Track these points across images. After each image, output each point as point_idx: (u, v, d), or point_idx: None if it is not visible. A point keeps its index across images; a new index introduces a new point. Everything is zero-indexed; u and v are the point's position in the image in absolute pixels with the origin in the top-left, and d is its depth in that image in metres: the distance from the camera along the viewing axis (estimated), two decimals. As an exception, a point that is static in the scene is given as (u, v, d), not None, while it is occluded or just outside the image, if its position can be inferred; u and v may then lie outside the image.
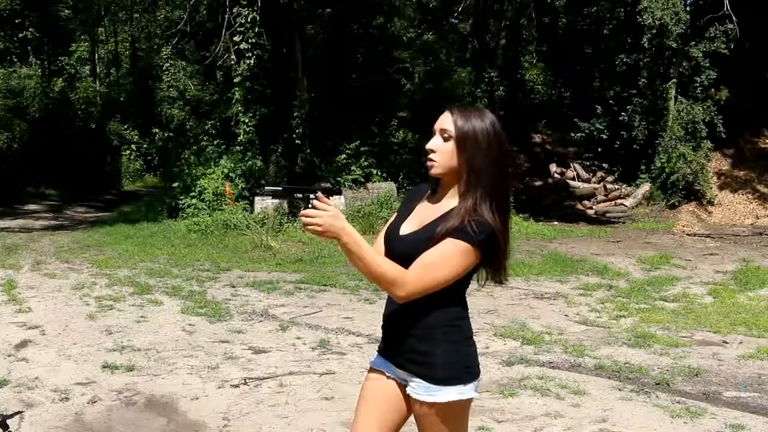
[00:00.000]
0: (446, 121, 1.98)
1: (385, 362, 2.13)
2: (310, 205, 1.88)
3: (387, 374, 2.12)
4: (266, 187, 2.22)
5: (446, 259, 1.89)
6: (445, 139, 1.97)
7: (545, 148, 20.68)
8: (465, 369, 2.01)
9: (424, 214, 2.04)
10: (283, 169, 14.67)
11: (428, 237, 1.94)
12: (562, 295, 7.32)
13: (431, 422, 2.01)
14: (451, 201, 1.99)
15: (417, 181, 14.00)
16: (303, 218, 1.87)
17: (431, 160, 1.98)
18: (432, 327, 1.98)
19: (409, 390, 2.04)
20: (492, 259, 1.97)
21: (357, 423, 2.14)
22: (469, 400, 2.03)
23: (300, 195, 1.95)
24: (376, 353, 2.18)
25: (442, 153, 1.97)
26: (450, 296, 1.99)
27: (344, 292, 7.31)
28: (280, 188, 2.04)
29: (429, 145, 1.98)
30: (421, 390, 1.99)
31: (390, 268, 1.89)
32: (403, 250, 1.97)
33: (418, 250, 1.93)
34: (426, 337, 1.99)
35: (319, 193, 1.90)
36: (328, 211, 1.85)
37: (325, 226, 1.84)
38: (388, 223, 2.15)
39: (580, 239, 12.09)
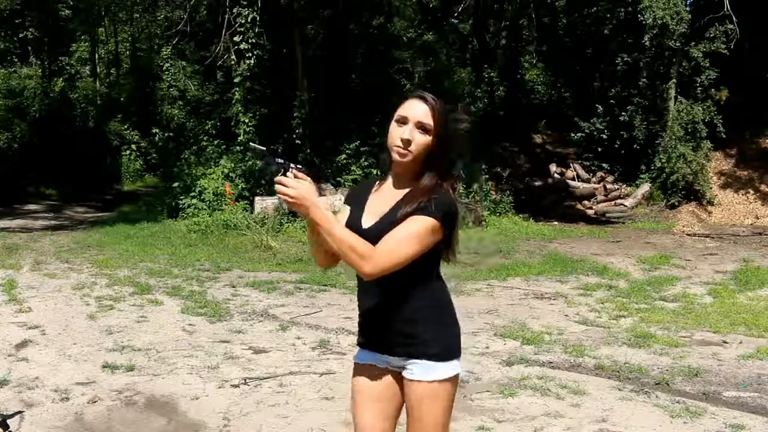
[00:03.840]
0: (422, 112, 1.99)
1: (372, 355, 2.14)
2: (287, 175, 1.90)
3: (378, 366, 2.13)
4: (251, 144, 2.21)
5: (411, 235, 1.93)
6: (423, 132, 1.99)
7: (545, 148, 20.68)
8: (454, 345, 2.08)
9: (381, 203, 2.07)
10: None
11: (390, 221, 1.98)
12: (562, 295, 7.32)
13: (425, 402, 2.03)
14: (407, 184, 2.04)
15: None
16: (277, 185, 1.90)
17: (407, 150, 1.99)
18: (418, 309, 2.03)
19: (405, 373, 2.06)
20: (452, 233, 2.02)
21: (361, 420, 2.15)
22: (458, 376, 2.09)
23: (281, 160, 1.95)
24: (359, 349, 2.20)
25: (419, 145, 2.00)
26: (427, 277, 2.05)
27: (344, 292, 7.31)
28: (265, 148, 2.04)
29: (406, 136, 1.98)
30: (418, 370, 2.03)
31: (359, 243, 1.92)
32: (370, 239, 1.98)
33: (383, 236, 1.97)
34: (414, 320, 2.03)
35: (300, 166, 1.93)
36: (303, 185, 1.89)
37: (297, 198, 1.88)
38: (344, 218, 2.12)
39: (580, 239, 12.09)
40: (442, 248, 2.04)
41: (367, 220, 2.06)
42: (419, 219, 1.94)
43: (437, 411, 2.04)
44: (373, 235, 1.98)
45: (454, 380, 2.06)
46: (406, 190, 2.03)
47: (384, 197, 2.08)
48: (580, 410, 3.99)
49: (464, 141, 14.67)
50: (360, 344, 2.19)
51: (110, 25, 31.70)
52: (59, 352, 5.05)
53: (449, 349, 2.05)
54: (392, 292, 2.02)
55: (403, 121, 2.01)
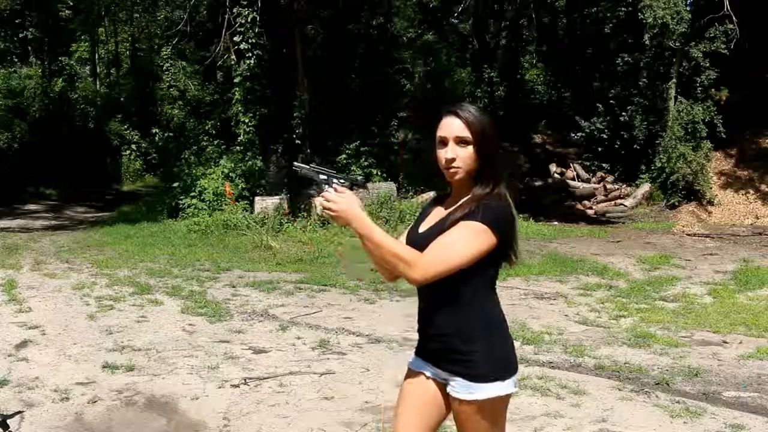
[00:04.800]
0: (458, 127, 2.01)
1: (423, 363, 2.16)
2: (330, 189, 1.98)
3: (426, 374, 2.15)
4: (296, 162, 2.30)
5: (459, 240, 1.94)
6: (463, 146, 2.01)
7: (545, 148, 20.68)
8: (503, 364, 2.06)
9: (439, 213, 2.12)
10: (283, 169, 14.67)
11: (441, 228, 2.00)
12: (562, 295, 7.32)
13: (470, 420, 2.03)
14: (464, 195, 2.06)
15: (417, 182, 14.08)
16: (322, 200, 1.97)
17: (455, 168, 2.02)
18: (471, 326, 2.02)
19: (449, 389, 2.06)
20: (507, 237, 2.01)
21: (399, 424, 2.17)
22: (508, 396, 2.07)
23: (324, 177, 2.04)
24: (414, 354, 2.22)
25: (464, 160, 2.02)
26: (483, 292, 2.04)
27: (344, 292, 7.31)
28: (308, 167, 2.11)
29: (449, 156, 2.01)
30: (460, 388, 2.02)
31: (404, 250, 1.95)
32: (419, 245, 2.02)
33: (432, 240, 1.99)
34: (466, 337, 2.02)
35: (342, 180, 2.02)
36: (344, 198, 1.94)
37: (338, 211, 1.94)
38: (407, 229, 2.23)
39: (580, 239, 12.08)
40: (499, 260, 2.04)
41: (423, 228, 2.12)
42: (466, 224, 1.95)
43: (483, 425, 2.03)
44: (423, 239, 2.03)
45: (499, 400, 2.03)
46: (463, 200, 2.05)
47: (443, 208, 2.13)
48: (580, 410, 3.99)
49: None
50: (416, 350, 2.21)
51: (110, 25, 31.67)
52: (59, 352, 5.05)
53: (495, 370, 2.02)
54: (443, 304, 2.03)
55: (443, 141, 2.04)
